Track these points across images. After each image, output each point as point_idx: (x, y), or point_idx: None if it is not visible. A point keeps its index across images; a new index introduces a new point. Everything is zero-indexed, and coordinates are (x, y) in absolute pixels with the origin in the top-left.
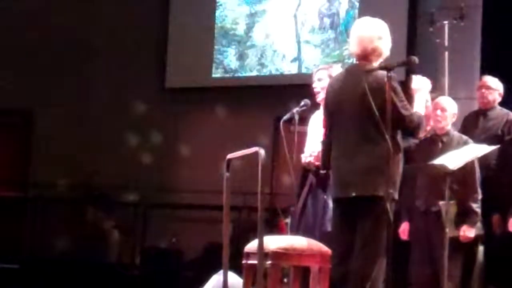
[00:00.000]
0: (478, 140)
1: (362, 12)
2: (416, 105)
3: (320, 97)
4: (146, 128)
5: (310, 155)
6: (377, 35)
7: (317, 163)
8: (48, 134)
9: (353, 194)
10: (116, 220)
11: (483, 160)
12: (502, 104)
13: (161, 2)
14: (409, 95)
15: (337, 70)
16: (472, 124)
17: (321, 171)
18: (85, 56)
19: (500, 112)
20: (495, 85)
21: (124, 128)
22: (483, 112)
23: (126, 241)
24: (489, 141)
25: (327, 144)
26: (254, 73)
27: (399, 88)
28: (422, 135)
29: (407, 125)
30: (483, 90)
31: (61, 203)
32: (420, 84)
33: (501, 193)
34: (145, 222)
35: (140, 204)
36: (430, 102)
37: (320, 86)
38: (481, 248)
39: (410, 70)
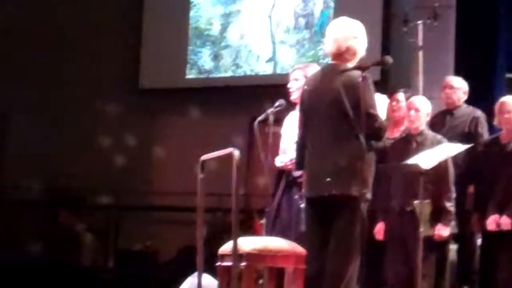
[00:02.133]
0: (446, 138)
1: (337, 12)
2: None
3: (294, 96)
4: (120, 130)
5: (291, 162)
6: (351, 34)
7: (290, 166)
8: (22, 136)
9: (327, 194)
10: (90, 222)
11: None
12: (474, 102)
13: (135, 2)
14: None
15: (313, 69)
16: (439, 123)
17: (294, 173)
18: (58, 58)
19: (466, 110)
20: (458, 84)
21: (97, 130)
22: (449, 111)
23: (100, 244)
24: (457, 139)
25: (302, 144)
26: (229, 74)
27: (373, 89)
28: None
29: (374, 125)
30: (447, 90)
31: (34, 206)
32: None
33: (478, 193)
34: (118, 225)
35: (113, 206)
36: (404, 103)
37: (296, 86)
38: (453, 247)
39: (385, 69)
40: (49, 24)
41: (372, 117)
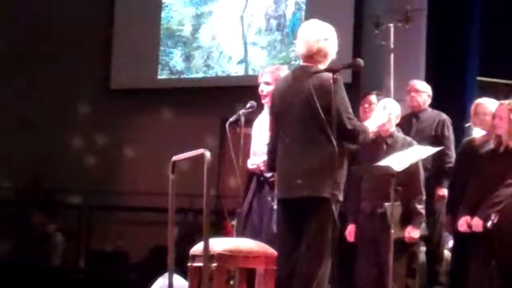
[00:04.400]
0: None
1: (309, 14)
2: (373, 118)
3: (266, 100)
4: (91, 130)
5: (264, 165)
6: (322, 36)
7: (262, 168)
8: None
9: (299, 195)
10: (60, 223)
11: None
12: (445, 105)
13: (106, 3)
14: None
15: (284, 72)
16: (406, 127)
17: (266, 174)
18: (29, 57)
19: (432, 113)
20: (423, 88)
21: (68, 130)
22: (415, 114)
23: (71, 244)
24: (424, 142)
25: (273, 146)
26: (200, 75)
27: (343, 92)
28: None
29: (347, 127)
30: (412, 94)
31: (4, 205)
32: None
33: (452, 195)
34: (89, 225)
35: (85, 206)
36: (375, 105)
37: (267, 90)
38: (423, 249)
39: (356, 71)
40: (20, 23)
41: (344, 119)
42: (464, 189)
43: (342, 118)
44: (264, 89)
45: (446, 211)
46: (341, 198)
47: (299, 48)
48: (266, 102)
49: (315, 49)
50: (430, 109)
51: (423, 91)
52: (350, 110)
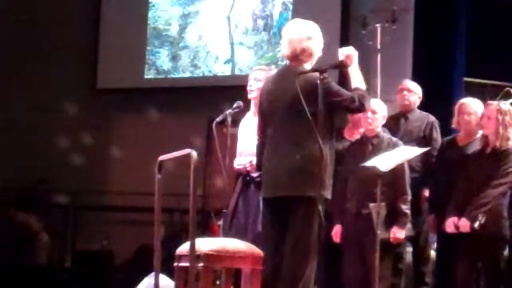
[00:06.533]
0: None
1: (296, 14)
2: (354, 80)
3: (253, 95)
4: (77, 129)
5: (250, 165)
6: (305, 35)
7: (249, 168)
8: None
9: (284, 195)
10: (46, 222)
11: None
12: (432, 105)
13: (93, 2)
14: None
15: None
16: (394, 127)
17: (252, 174)
18: (15, 56)
19: (420, 114)
20: (415, 88)
21: (55, 129)
22: (403, 114)
23: (57, 244)
24: (412, 144)
25: (261, 146)
26: (187, 75)
27: (335, 85)
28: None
29: (354, 108)
30: (405, 93)
31: None
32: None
33: (434, 195)
34: (75, 224)
35: (70, 206)
36: None
37: (256, 86)
38: (409, 249)
39: (343, 72)
40: (6, 22)
41: (349, 106)
42: (446, 188)
43: (341, 103)
44: (253, 84)
45: (429, 211)
46: (328, 196)
47: (284, 49)
48: (253, 97)
49: (299, 49)
50: (418, 111)
51: (415, 92)
52: (343, 91)
